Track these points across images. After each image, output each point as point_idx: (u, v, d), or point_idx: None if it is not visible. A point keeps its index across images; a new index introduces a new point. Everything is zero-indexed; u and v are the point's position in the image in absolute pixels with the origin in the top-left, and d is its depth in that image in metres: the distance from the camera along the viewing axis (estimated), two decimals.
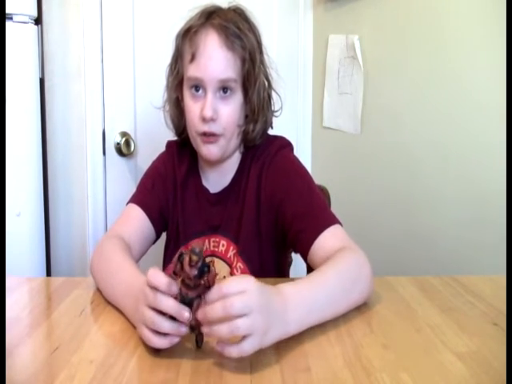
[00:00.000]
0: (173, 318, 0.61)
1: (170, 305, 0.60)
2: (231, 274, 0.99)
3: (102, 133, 1.61)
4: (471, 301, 0.81)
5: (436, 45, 1.26)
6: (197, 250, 0.59)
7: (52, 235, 1.60)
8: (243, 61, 0.95)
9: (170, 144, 1.11)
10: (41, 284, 0.97)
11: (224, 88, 0.94)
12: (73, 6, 1.54)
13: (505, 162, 1.05)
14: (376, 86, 1.49)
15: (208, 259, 1.01)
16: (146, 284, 0.62)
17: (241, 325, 0.59)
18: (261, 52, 1.01)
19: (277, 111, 1.06)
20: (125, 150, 1.62)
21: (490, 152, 1.12)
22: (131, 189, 1.09)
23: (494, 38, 1.09)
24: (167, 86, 1.03)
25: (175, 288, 0.61)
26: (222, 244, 1.01)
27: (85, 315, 0.77)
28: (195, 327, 0.62)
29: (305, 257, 0.91)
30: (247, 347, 0.59)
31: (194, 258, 0.58)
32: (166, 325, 0.61)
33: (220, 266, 1.00)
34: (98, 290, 0.86)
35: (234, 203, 1.01)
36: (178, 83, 1.00)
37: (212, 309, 0.59)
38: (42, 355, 0.64)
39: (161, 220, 1.04)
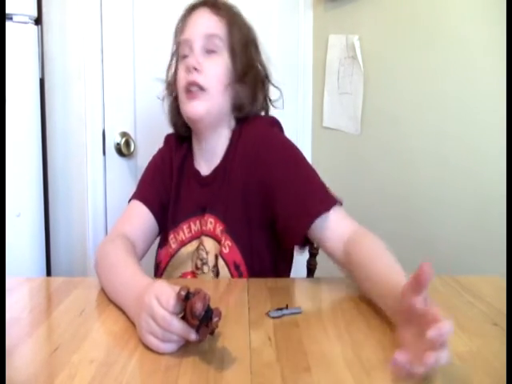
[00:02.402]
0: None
1: (179, 327, 0.62)
2: (220, 252, 0.98)
3: (102, 133, 1.61)
4: (471, 301, 0.81)
5: (436, 45, 1.26)
6: (199, 305, 0.58)
7: (52, 235, 1.60)
8: (229, 25, 1.00)
9: (168, 137, 1.13)
10: (41, 284, 0.97)
11: (211, 49, 0.98)
12: (73, 6, 1.54)
13: (505, 162, 1.05)
14: (376, 86, 1.49)
15: (199, 240, 1.01)
16: (154, 297, 0.63)
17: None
18: (253, 39, 1.05)
19: (276, 101, 1.09)
20: (125, 150, 1.62)
21: (490, 152, 1.12)
22: (131, 189, 1.09)
23: (494, 39, 1.09)
24: (167, 73, 1.07)
25: (181, 308, 0.62)
26: (210, 222, 1.01)
27: (85, 315, 0.77)
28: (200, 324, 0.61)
29: (297, 238, 0.91)
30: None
31: (196, 312, 0.59)
32: (174, 338, 0.63)
33: (210, 244, 1.00)
34: (98, 289, 0.86)
35: (222, 183, 1.01)
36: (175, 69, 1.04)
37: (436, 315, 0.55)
38: (41, 355, 0.64)
39: (161, 211, 1.05)
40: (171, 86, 1.06)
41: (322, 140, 1.76)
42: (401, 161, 1.40)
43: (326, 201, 0.90)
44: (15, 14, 1.36)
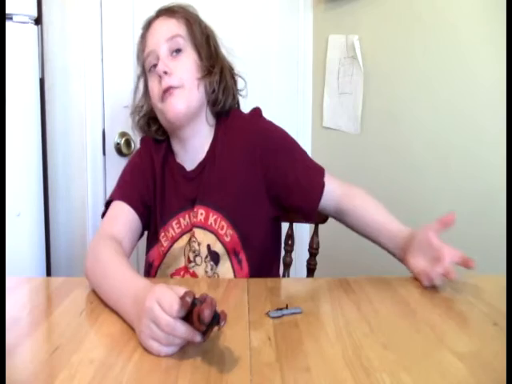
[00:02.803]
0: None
1: (184, 331, 0.61)
2: (221, 241, 1.00)
3: (101, 133, 1.61)
4: (471, 301, 0.81)
5: (436, 45, 1.26)
6: (207, 312, 0.58)
7: (52, 235, 1.60)
8: (188, 22, 1.02)
9: (144, 139, 1.14)
10: (41, 284, 0.97)
11: (176, 49, 1.00)
12: (73, 6, 1.54)
13: (505, 163, 1.05)
14: (376, 86, 1.49)
15: (190, 234, 1.01)
16: (156, 302, 0.62)
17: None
18: (212, 34, 1.07)
19: (242, 90, 1.12)
20: (125, 150, 1.62)
21: (490, 152, 1.12)
22: None
23: (494, 38, 1.09)
24: (133, 101, 1.12)
25: (184, 312, 0.61)
26: (201, 213, 1.01)
27: (85, 315, 0.77)
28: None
29: (313, 207, 1.02)
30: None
31: (205, 320, 0.58)
32: (177, 341, 0.62)
33: (202, 235, 1.00)
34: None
35: (212, 173, 1.02)
36: (145, 91, 1.08)
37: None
38: (41, 355, 0.64)
39: (145, 210, 1.05)
40: (139, 107, 1.10)
41: (322, 140, 1.76)
42: (401, 160, 1.40)
43: (320, 171, 1.04)
44: (15, 14, 1.36)
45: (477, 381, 0.57)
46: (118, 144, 1.62)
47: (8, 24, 1.33)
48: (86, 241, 1.60)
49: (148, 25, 1.06)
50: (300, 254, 1.36)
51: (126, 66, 1.61)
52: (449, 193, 1.24)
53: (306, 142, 1.80)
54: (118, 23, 1.59)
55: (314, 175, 1.03)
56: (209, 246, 0.99)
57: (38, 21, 1.44)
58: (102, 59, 1.58)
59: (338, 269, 1.58)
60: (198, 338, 0.61)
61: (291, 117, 1.77)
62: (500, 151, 1.06)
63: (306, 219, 1.12)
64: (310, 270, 1.24)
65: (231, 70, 1.09)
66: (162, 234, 1.04)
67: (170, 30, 1.01)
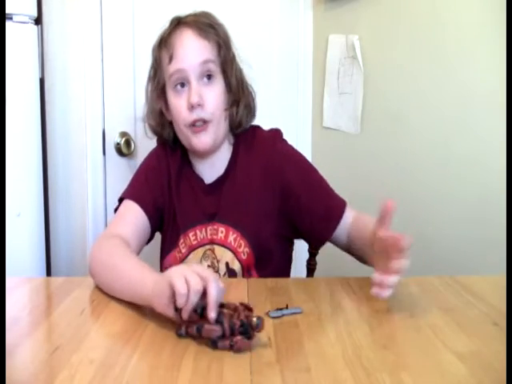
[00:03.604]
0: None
1: (215, 293, 0.66)
2: (238, 259, 1.00)
3: (102, 133, 1.61)
4: (471, 301, 0.81)
5: (436, 44, 1.26)
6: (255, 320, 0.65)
7: (52, 235, 1.60)
8: (219, 46, 1.00)
9: (161, 140, 1.11)
10: (41, 284, 0.97)
11: (206, 75, 0.98)
12: (73, 6, 1.54)
13: (505, 162, 1.05)
14: (376, 86, 1.49)
15: (207, 247, 1.02)
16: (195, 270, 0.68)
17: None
18: (233, 50, 1.05)
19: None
20: (125, 150, 1.62)
21: (491, 152, 1.12)
22: None
23: (494, 38, 1.09)
24: (147, 99, 1.07)
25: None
26: (221, 231, 1.02)
27: (85, 315, 0.77)
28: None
29: (324, 239, 1.01)
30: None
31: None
32: (198, 287, 0.65)
33: (221, 252, 1.02)
34: (98, 289, 0.86)
35: (231, 191, 1.03)
36: (160, 93, 1.03)
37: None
38: (41, 355, 0.64)
39: (156, 214, 1.04)
40: (155, 111, 1.05)
41: (322, 140, 1.76)
42: (401, 160, 1.40)
43: (340, 203, 1.02)
44: (15, 14, 1.36)
45: (477, 381, 0.57)
46: (118, 144, 1.62)
47: (8, 24, 1.33)
48: (86, 241, 1.60)
49: (175, 30, 1.00)
50: (300, 254, 1.36)
51: (126, 66, 1.61)
52: (449, 192, 1.23)
53: (306, 142, 1.80)
54: (118, 23, 1.59)
55: (331, 205, 1.01)
56: (227, 264, 1.00)
57: (38, 21, 1.44)
58: (102, 59, 1.58)
59: (338, 269, 1.58)
60: (212, 314, 0.65)
61: (291, 117, 1.76)
62: (501, 151, 1.06)
63: (317, 248, 1.14)
64: (310, 270, 1.24)
65: (252, 91, 1.08)
66: (181, 240, 1.04)
67: (203, 53, 0.98)
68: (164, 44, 1.00)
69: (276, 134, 1.08)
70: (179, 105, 0.98)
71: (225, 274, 1.01)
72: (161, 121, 1.05)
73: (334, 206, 1.01)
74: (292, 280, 0.99)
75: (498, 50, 1.05)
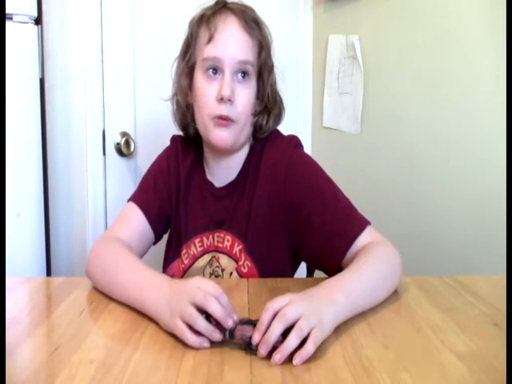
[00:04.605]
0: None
1: (219, 309, 0.65)
2: (237, 270, 0.97)
3: (102, 133, 1.61)
4: (471, 301, 0.81)
5: (436, 44, 1.26)
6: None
7: (52, 235, 1.60)
8: (260, 48, 0.95)
9: (174, 138, 1.09)
10: (41, 284, 0.97)
11: (241, 72, 0.93)
12: (73, 6, 1.54)
13: (505, 162, 1.05)
14: (376, 86, 1.49)
15: (212, 254, 1.00)
16: (195, 287, 0.68)
17: (303, 325, 0.62)
18: (271, 50, 1.00)
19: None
20: (125, 150, 1.62)
21: (491, 152, 1.12)
22: (131, 189, 1.09)
23: (494, 37, 1.08)
24: (177, 73, 1.00)
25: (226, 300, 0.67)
26: (227, 239, 0.99)
27: (85, 315, 0.77)
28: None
29: (335, 262, 0.88)
30: (314, 343, 0.62)
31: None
32: (202, 323, 0.65)
33: (225, 262, 0.99)
34: (97, 289, 0.86)
35: (241, 199, 0.98)
36: (189, 71, 0.97)
37: (271, 329, 0.62)
38: (41, 355, 0.64)
39: (160, 221, 1.02)
40: (182, 89, 0.99)
41: (322, 140, 1.76)
42: (401, 160, 1.40)
43: (357, 223, 0.90)
44: (15, 14, 1.36)
45: (477, 380, 0.58)
46: (118, 144, 1.62)
47: (8, 24, 1.33)
48: (86, 241, 1.60)
49: (220, 12, 0.93)
50: None
51: (126, 66, 1.61)
52: (449, 192, 1.23)
53: (306, 142, 1.79)
54: (118, 23, 1.59)
55: (346, 225, 0.89)
56: (231, 274, 0.98)
57: (38, 21, 1.44)
58: (102, 59, 1.58)
59: None
60: (230, 322, 0.65)
61: (291, 117, 1.76)
62: (501, 150, 1.06)
63: (328, 274, 0.91)
64: (310, 270, 1.24)
65: (281, 100, 1.03)
66: (184, 251, 1.02)
67: (245, 52, 0.92)
68: (206, 21, 0.93)
69: (291, 141, 1.01)
70: (208, 93, 0.92)
71: None
72: (185, 102, 1.00)
73: (348, 227, 0.89)
74: (292, 280, 0.99)
75: (499, 50, 1.05)
